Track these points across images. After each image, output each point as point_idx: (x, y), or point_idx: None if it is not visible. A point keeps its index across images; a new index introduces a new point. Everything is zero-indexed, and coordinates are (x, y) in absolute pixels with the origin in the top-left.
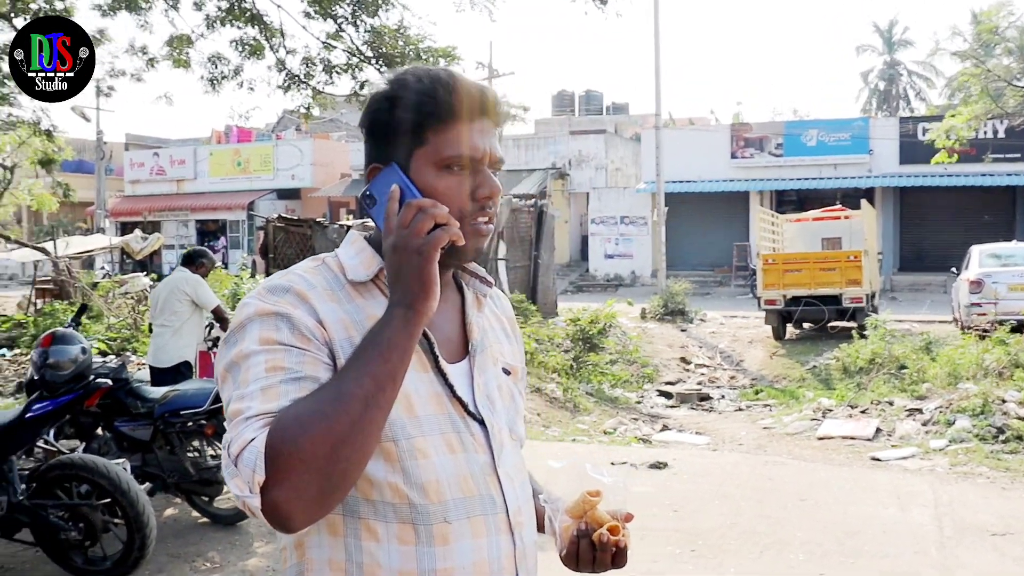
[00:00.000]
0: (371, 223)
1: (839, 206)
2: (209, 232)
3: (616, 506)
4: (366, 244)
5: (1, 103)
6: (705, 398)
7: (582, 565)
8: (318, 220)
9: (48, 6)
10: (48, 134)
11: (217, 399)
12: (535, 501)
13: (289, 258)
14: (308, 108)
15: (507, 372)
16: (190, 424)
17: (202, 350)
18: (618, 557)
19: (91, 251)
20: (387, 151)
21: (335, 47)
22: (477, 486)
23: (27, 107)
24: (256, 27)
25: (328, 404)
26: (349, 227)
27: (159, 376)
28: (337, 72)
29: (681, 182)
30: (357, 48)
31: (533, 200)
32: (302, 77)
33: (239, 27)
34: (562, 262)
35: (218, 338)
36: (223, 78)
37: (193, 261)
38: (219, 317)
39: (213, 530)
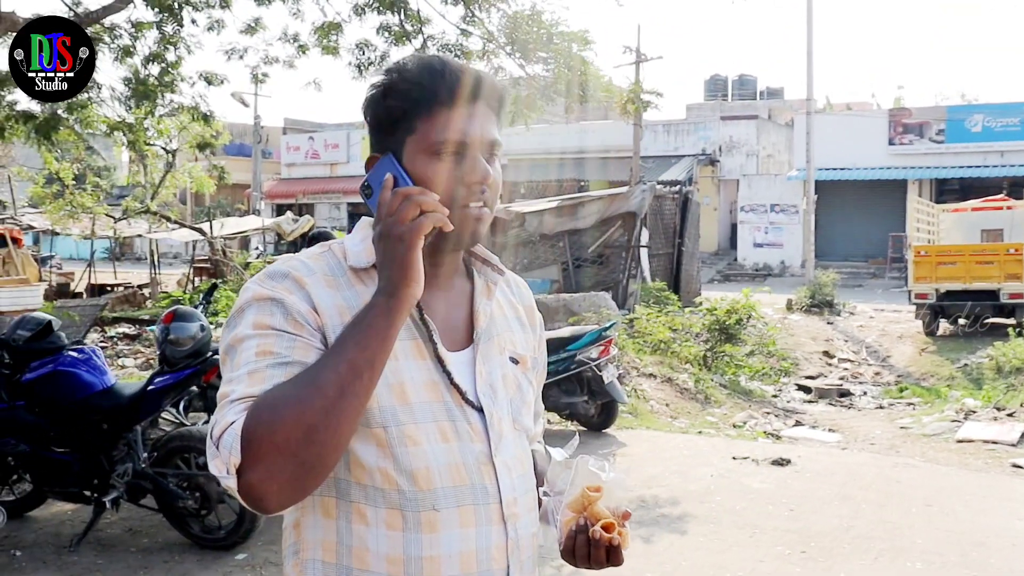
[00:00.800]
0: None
1: (1002, 196)
2: (361, 215)
3: (615, 503)
4: (371, 231)
5: (165, 90)
6: (845, 394)
7: (579, 560)
8: None
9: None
10: (205, 119)
11: None
12: (538, 492)
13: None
14: None
15: (515, 361)
16: None
17: None
18: (613, 555)
19: (245, 232)
20: (383, 140)
21: (472, 33)
22: (470, 475)
23: (187, 93)
24: (398, 14)
25: (303, 389)
26: None
27: None
28: (475, 59)
29: (835, 169)
30: (491, 34)
31: (678, 187)
32: None
33: (384, 14)
34: (709, 250)
35: None
36: (369, 64)
37: (317, 243)
38: None
39: None
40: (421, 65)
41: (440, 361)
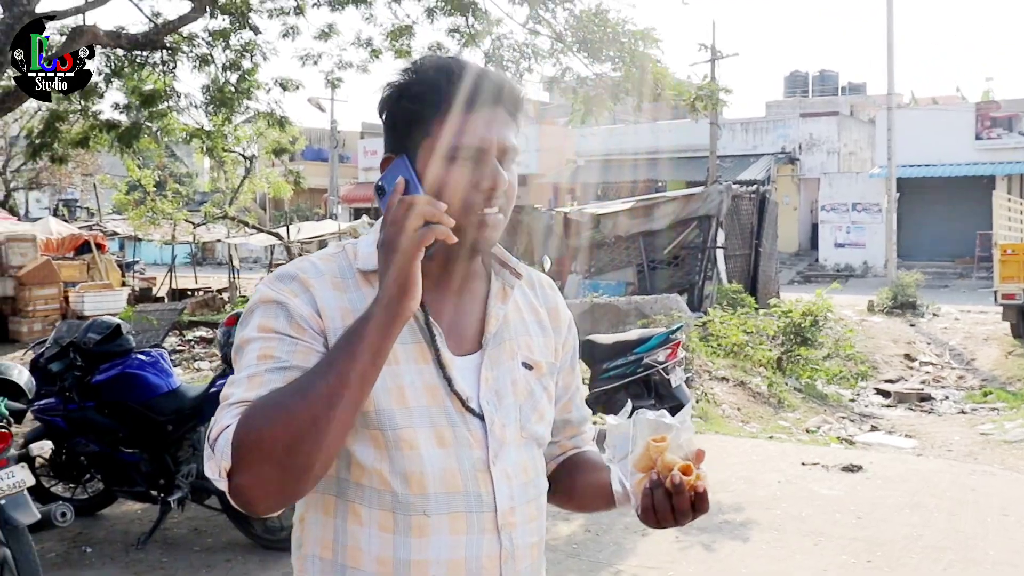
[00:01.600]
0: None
1: None
2: None
3: (685, 448)
4: None
5: (242, 97)
6: (926, 399)
7: (662, 518)
8: (535, 206)
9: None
10: (281, 124)
11: None
12: (591, 476)
13: (506, 244)
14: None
15: (528, 366)
16: None
17: None
18: (699, 501)
19: (322, 236)
20: (399, 142)
21: (540, 33)
22: (464, 482)
23: (263, 99)
24: (466, 16)
25: (292, 398)
26: (565, 213)
27: None
28: (542, 58)
29: (919, 166)
30: (559, 34)
31: (755, 186)
32: (504, 64)
33: (454, 15)
34: (789, 251)
35: None
36: None
37: None
38: None
39: None
40: (438, 67)
41: (442, 366)
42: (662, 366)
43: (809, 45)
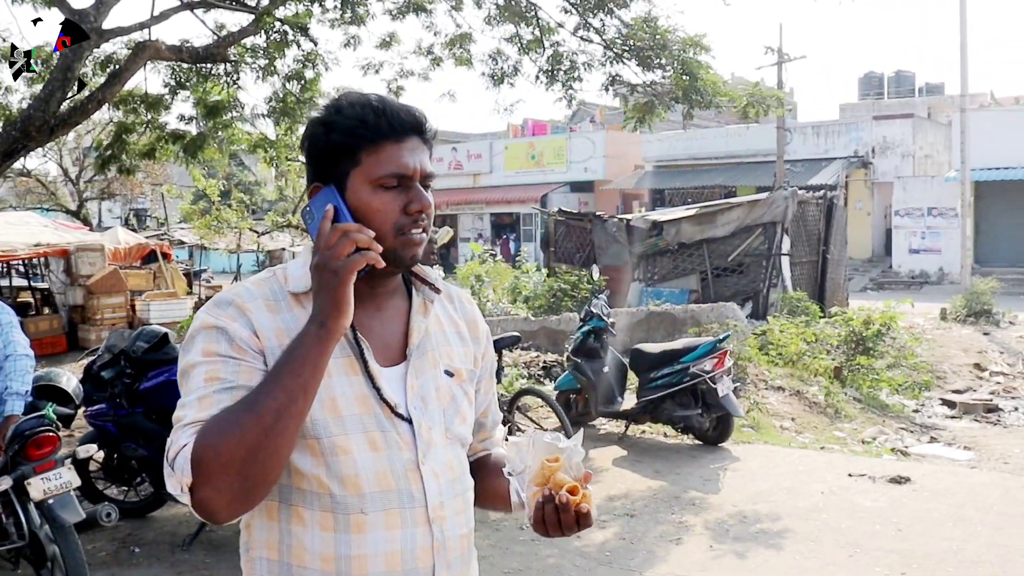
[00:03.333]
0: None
1: None
2: (503, 225)
3: (575, 470)
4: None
5: (304, 107)
6: (993, 410)
7: (550, 528)
8: (597, 214)
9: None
10: None
11: None
12: (493, 482)
13: (568, 252)
14: (570, 100)
15: (450, 374)
16: None
17: None
18: (583, 517)
19: None
20: (326, 172)
21: (592, 41)
22: (396, 481)
23: None
24: (525, 25)
25: (243, 414)
26: (628, 221)
27: None
28: (594, 66)
29: (997, 169)
30: (611, 41)
31: (822, 192)
32: (553, 73)
33: (514, 24)
34: (863, 257)
35: None
36: (503, 74)
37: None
38: None
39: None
40: (363, 103)
41: (371, 377)
42: (709, 375)
43: (884, 45)
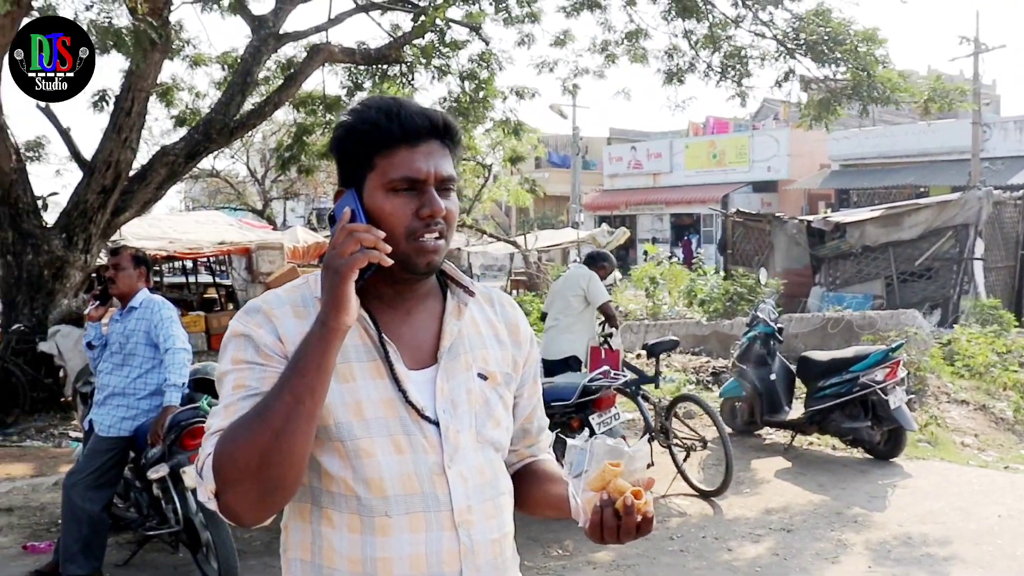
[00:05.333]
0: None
1: None
2: (684, 226)
3: (636, 476)
4: None
5: (478, 107)
6: None
7: (607, 535)
8: (776, 215)
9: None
10: (516, 133)
11: (584, 393)
12: (543, 487)
13: (747, 254)
14: (743, 97)
15: (484, 377)
16: (557, 416)
17: (594, 346)
18: (643, 524)
19: (559, 244)
20: (348, 176)
21: (764, 36)
22: (421, 484)
23: (498, 108)
24: (687, 19)
25: (254, 420)
26: (809, 223)
27: (548, 368)
28: (767, 62)
29: None
30: (785, 35)
31: (1021, 192)
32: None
33: (688, 19)
34: None
35: (610, 334)
36: (679, 71)
37: (595, 262)
38: (607, 314)
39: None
40: (379, 108)
41: (397, 380)
42: (880, 386)
43: None
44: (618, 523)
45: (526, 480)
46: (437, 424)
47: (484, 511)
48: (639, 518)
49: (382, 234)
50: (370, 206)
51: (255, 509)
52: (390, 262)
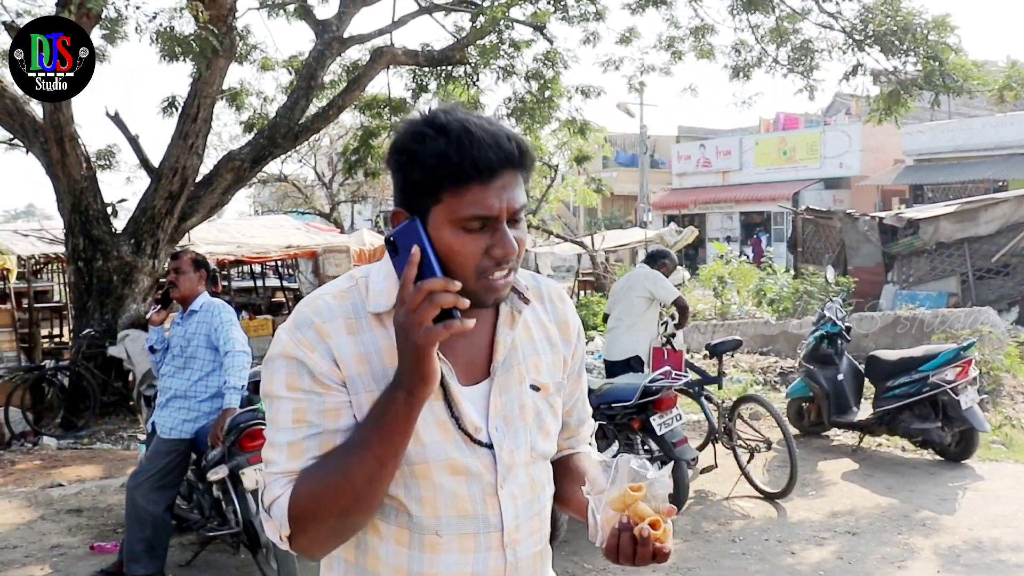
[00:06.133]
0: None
1: None
2: (753, 224)
3: (659, 502)
4: (395, 274)
5: (543, 106)
6: None
7: (622, 558)
8: (848, 212)
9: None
10: (582, 132)
11: (644, 394)
12: (574, 489)
13: (817, 252)
14: (811, 91)
15: (536, 388)
16: (619, 417)
17: (656, 346)
18: (659, 554)
19: (626, 244)
20: (410, 202)
21: (832, 28)
22: (474, 507)
23: (564, 107)
24: (752, 13)
25: (336, 478)
26: (881, 219)
27: (610, 369)
28: (835, 54)
29: None
30: (853, 26)
31: None
32: (791, 63)
33: (754, 12)
34: None
35: (673, 335)
36: (747, 66)
37: (655, 260)
38: (681, 308)
39: None
40: (448, 137)
41: (450, 403)
42: (951, 386)
43: None
44: (634, 549)
45: (562, 476)
46: (490, 445)
47: (530, 527)
48: (654, 548)
49: (458, 285)
50: (437, 241)
51: (327, 548)
52: (471, 324)
